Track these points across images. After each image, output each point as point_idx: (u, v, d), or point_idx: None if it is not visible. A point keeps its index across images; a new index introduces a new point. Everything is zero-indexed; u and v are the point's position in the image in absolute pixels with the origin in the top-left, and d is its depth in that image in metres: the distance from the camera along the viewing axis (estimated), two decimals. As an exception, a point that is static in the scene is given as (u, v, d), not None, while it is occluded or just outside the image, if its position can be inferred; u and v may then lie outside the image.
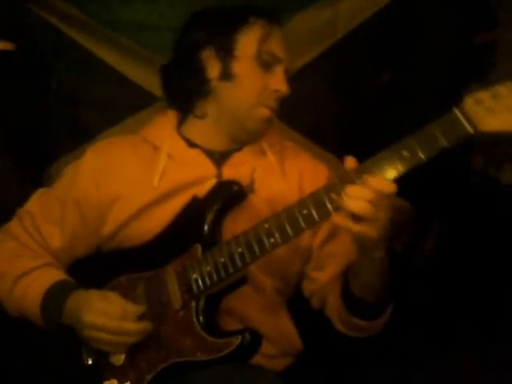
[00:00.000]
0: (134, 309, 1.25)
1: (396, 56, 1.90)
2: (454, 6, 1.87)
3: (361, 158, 2.06)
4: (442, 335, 1.64)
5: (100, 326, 1.22)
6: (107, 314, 1.23)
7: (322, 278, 1.41)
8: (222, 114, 1.40)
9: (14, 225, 1.44)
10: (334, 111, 2.00)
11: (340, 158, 1.93)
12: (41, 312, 1.32)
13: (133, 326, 1.23)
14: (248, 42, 1.37)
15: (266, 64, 1.37)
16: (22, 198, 1.48)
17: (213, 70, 1.38)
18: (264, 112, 1.38)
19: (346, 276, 1.29)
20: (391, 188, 1.08)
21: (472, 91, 1.02)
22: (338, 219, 1.11)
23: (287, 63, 1.41)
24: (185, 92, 1.43)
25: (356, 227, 1.10)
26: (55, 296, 1.31)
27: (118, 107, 2.00)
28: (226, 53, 1.37)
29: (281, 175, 1.42)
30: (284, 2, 1.87)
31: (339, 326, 1.37)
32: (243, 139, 1.43)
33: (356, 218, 1.09)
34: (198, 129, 1.44)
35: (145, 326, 1.25)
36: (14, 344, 1.41)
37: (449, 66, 1.93)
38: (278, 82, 1.38)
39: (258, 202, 1.37)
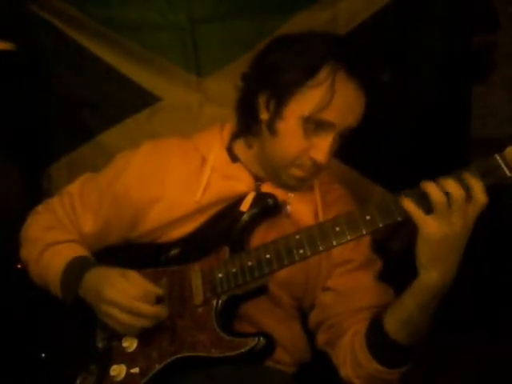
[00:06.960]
0: (154, 290, 1.27)
1: (396, 56, 1.89)
2: (454, 6, 1.87)
3: (360, 157, 2.06)
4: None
5: (118, 303, 1.24)
6: (127, 293, 1.25)
7: (337, 307, 1.37)
8: (263, 157, 1.40)
9: (54, 200, 1.51)
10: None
11: (339, 157, 1.94)
12: (60, 281, 1.36)
13: (148, 308, 1.25)
14: (300, 106, 1.27)
15: (313, 129, 1.28)
16: (22, 198, 1.49)
17: (263, 115, 1.35)
18: (297, 173, 1.34)
19: (379, 312, 1.26)
20: (484, 200, 1.08)
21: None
22: (407, 203, 1.11)
23: (345, 125, 1.29)
24: (243, 119, 1.43)
25: (420, 215, 1.09)
26: (76, 268, 1.35)
27: (118, 107, 2.00)
28: (276, 106, 1.30)
29: (320, 212, 1.41)
30: (284, 2, 1.88)
31: (347, 371, 1.31)
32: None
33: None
34: (244, 151, 1.44)
35: (160, 310, 1.26)
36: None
37: (449, 66, 1.92)
38: (318, 152, 1.29)
39: (290, 227, 1.36)
